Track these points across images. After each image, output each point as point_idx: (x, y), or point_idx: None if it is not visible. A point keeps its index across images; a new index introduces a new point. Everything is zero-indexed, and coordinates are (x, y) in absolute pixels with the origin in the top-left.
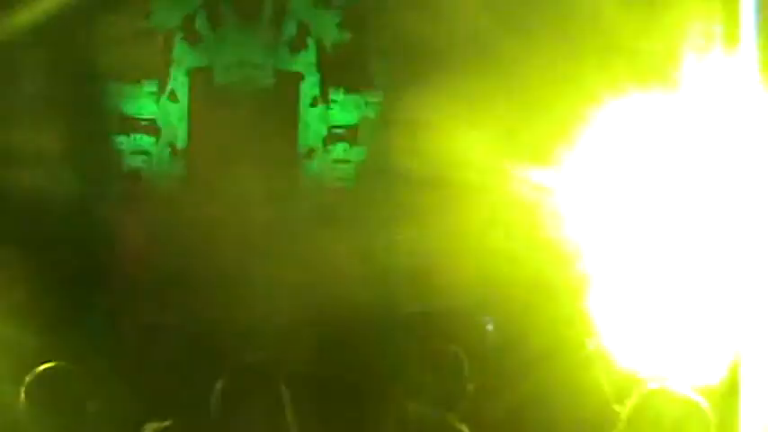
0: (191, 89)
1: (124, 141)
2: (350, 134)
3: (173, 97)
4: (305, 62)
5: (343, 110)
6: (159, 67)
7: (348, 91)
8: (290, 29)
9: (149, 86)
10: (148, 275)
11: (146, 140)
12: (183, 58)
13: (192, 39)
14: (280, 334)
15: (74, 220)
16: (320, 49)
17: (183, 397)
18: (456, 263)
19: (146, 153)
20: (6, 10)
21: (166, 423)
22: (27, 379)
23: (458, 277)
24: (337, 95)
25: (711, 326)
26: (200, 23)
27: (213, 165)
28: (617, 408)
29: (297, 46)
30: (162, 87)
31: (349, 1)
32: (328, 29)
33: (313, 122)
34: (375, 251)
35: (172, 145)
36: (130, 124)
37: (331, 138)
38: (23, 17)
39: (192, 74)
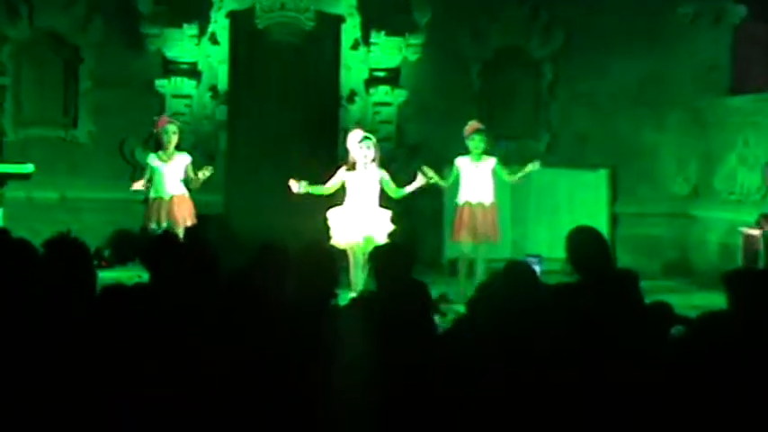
0: (231, 32)
1: (165, 85)
2: (391, 77)
3: (213, 40)
4: (346, 4)
5: (384, 52)
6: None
7: (389, 33)
8: None
9: (190, 29)
10: None
11: (187, 84)
12: (224, 0)
13: None
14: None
15: None
16: None
17: None
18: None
19: (187, 96)
20: None
21: None
22: None
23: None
24: (378, 38)
25: None
26: None
27: (254, 108)
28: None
29: None
30: (203, 30)
31: None
32: None
33: (354, 65)
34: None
35: (213, 88)
36: (171, 68)
37: (372, 80)
38: None
39: (232, 16)
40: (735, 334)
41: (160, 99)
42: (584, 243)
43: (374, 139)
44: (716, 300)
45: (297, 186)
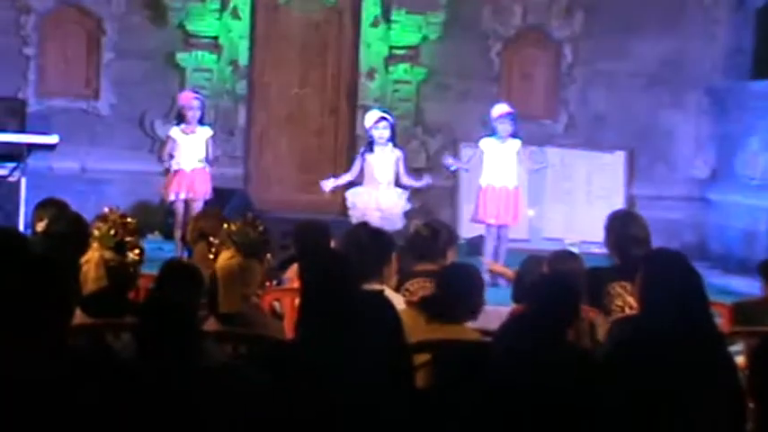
0: (253, 6)
1: (186, 59)
2: (411, 54)
3: (235, 15)
4: None
5: (405, 30)
6: None
7: (410, 11)
8: None
9: (212, 4)
10: None
11: (208, 58)
12: None
13: None
14: None
15: None
16: None
17: None
18: None
19: (208, 71)
20: None
21: None
22: None
23: None
24: (399, 15)
25: None
26: None
27: (274, 83)
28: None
29: None
30: (224, 4)
31: None
32: None
33: (374, 42)
34: None
35: (233, 62)
36: (193, 42)
37: (392, 58)
38: None
39: None
40: None
41: (181, 72)
42: (623, 227)
43: (391, 119)
44: (741, 284)
45: (327, 186)
